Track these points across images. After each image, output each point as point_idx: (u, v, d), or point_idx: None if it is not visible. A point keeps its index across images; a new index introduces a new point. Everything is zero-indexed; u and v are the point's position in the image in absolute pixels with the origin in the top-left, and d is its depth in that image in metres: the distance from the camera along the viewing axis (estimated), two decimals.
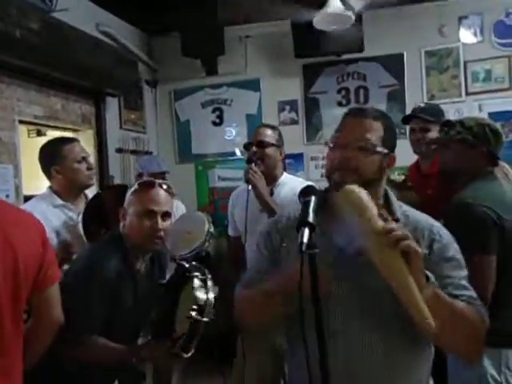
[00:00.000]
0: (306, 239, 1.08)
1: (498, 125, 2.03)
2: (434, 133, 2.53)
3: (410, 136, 2.67)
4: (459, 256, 1.31)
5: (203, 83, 4.81)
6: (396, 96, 4.46)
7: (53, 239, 2.18)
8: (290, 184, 2.46)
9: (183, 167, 4.81)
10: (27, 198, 2.74)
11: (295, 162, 4.54)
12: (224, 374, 2.56)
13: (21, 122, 3.14)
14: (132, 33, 4.54)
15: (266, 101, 4.72)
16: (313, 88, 4.64)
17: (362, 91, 4.56)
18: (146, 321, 1.88)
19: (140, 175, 3.50)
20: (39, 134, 3.77)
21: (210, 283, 1.77)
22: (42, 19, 2.94)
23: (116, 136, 4.16)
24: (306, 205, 1.18)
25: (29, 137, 3.80)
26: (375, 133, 1.30)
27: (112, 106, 4.12)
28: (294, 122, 4.66)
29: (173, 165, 4.66)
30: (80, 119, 3.72)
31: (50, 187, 2.32)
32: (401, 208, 1.34)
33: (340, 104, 4.57)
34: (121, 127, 4.28)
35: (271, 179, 2.48)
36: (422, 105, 2.75)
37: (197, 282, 1.74)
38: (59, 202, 2.27)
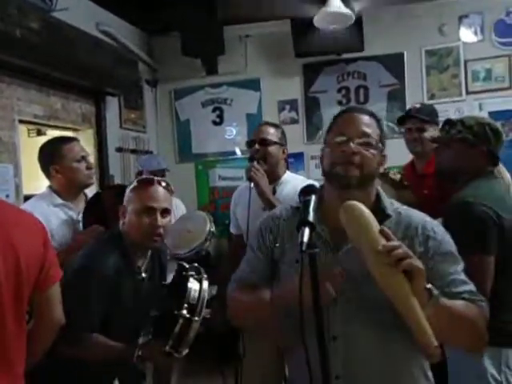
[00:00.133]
0: (306, 238, 1.07)
1: (498, 124, 2.02)
2: (429, 132, 2.56)
3: (406, 136, 2.69)
4: (454, 249, 1.31)
5: (203, 83, 4.81)
6: (396, 95, 4.46)
7: (53, 238, 2.18)
8: (293, 182, 2.45)
9: (183, 167, 4.82)
10: (27, 198, 2.73)
11: (295, 161, 4.54)
12: (224, 374, 2.56)
13: (21, 121, 3.14)
14: (132, 32, 4.54)
15: (266, 100, 4.72)
16: (313, 87, 4.64)
17: (362, 90, 4.56)
18: (147, 319, 1.88)
19: (140, 173, 3.50)
20: (39, 133, 3.77)
21: (205, 283, 1.76)
22: (42, 19, 2.94)
23: (116, 135, 4.16)
24: (306, 204, 1.17)
25: (29, 136, 3.80)
26: (374, 129, 1.31)
27: (112, 105, 4.12)
28: (294, 121, 4.66)
29: (173, 164, 4.66)
30: (80, 119, 3.72)
31: (50, 186, 2.32)
32: (392, 205, 1.34)
33: (340, 103, 4.57)
34: (121, 126, 4.28)
35: (274, 178, 2.46)
36: (418, 105, 2.77)
37: (191, 281, 1.74)
38: (59, 201, 2.27)
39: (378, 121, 1.34)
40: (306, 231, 1.08)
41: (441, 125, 2.12)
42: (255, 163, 2.40)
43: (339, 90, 4.60)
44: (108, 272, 1.70)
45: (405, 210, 1.34)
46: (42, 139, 2.96)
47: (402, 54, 4.44)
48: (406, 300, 1.09)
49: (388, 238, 1.13)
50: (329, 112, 4.54)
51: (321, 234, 1.25)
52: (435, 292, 1.13)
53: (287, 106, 4.70)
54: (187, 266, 1.83)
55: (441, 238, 1.29)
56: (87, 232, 2.16)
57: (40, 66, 3.05)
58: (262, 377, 2.41)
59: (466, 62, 4.32)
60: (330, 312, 1.21)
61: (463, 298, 1.23)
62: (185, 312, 1.65)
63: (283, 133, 2.57)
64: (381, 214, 1.27)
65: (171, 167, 4.07)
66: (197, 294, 1.71)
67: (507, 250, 1.78)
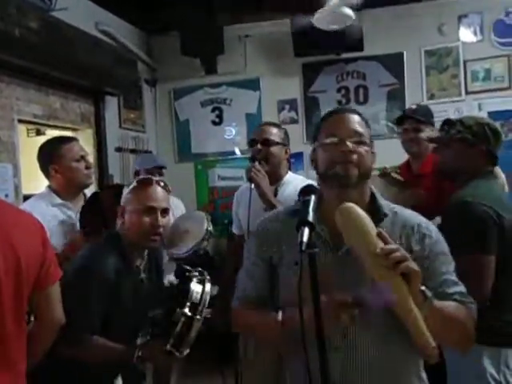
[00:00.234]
0: (305, 238, 1.07)
1: (497, 124, 2.02)
2: (425, 133, 2.63)
3: (403, 136, 2.73)
4: (447, 249, 1.32)
5: (203, 82, 4.81)
6: (396, 95, 4.46)
7: (52, 238, 2.18)
8: (294, 183, 2.43)
9: (183, 166, 4.81)
10: (26, 198, 2.73)
11: (295, 161, 4.52)
12: (223, 374, 2.55)
13: (20, 121, 3.13)
14: (131, 32, 4.53)
15: (265, 100, 4.72)
16: (312, 87, 4.64)
17: (361, 90, 4.56)
18: (145, 319, 1.88)
19: (137, 173, 3.48)
20: (38, 133, 3.76)
21: (208, 285, 1.76)
22: (42, 18, 2.93)
23: (115, 135, 4.16)
24: (305, 204, 1.17)
25: (28, 136, 3.80)
26: (364, 128, 1.33)
27: (111, 105, 4.12)
28: (294, 121, 4.66)
29: (172, 164, 4.66)
30: (79, 118, 3.72)
31: (49, 186, 2.32)
32: (388, 205, 1.35)
33: (340, 103, 4.56)
34: (120, 126, 4.28)
35: (276, 178, 2.44)
36: (414, 107, 2.84)
37: (194, 282, 1.74)
38: (58, 201, 2.27)
39: (366, 121, 1.36)
40: (306, 231, 1.08)
41: (440, 125, 2.12)
42: (256, 164, 2.38)
43: (339, 90, 4.60)
44: (108, 273, 1.70)
45: (399, 209, 1.35)
46: (42, 139, 2.95)
47: (402, 54, 4.44)
48: (404, 302, 1.10)
49: (385, 241, 1.14)
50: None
51: (320, 233, 1.25)
52: (429, 294, 1.14)
53: (287, 106, 4.70)
54: (188, 268, 1.83)
55: (436, 238, 1.30)
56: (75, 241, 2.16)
57: (39, 65, 3.05)
58: (263, 376, 2.41)
59: (465, 62, 4.32)
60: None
61: (454, 299, 1.25)
62: (187, 310, 1.65)
63: (286, 133, 2.55)
64: (377, 213, 1.28)
65: (170, 167, 4.06)
66: (199, 295, 1.71)
67: (507, 249, 1.78)
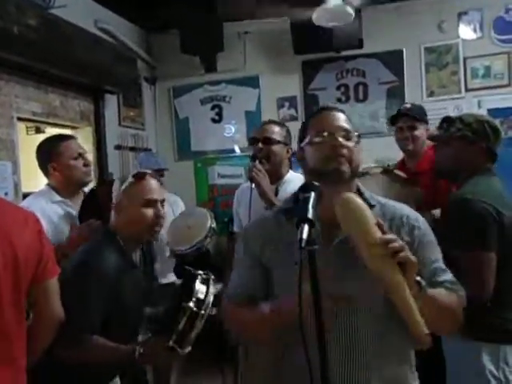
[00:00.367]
0: (305, 235, 1.07)
1: (496, 121, 2.03)
2: (420, 131, 2.67)
3: (397, 135, 2.75)
4: (434, 238, 1.36)
5: (202, 80, 4.81)
6: (395, 92, 4.46)
7: (52, 235, 2.18)
8: (295, 182, 2.41)
9: (182, 164, 4.81)
10: (26, 196, 2.73)
11: (294, 158, 4.53)
12: (223, 372, 2.56)
13: (19, 119, 3.13)
14: (131, 30, 4.53)
15: (265, 97, 4.72)
16: (312, 84, 4.63)
17: (361, 88, 4.55)
18: (143, 316, 1.89)
19: None
20: (38, 131, 3.76)
21: (212, 283, 1.77)
22: (40, 16, 2.93)
23: (115, 133, 4.16)
24: (305, 201, 1.17)
25: (27, 134, 3.80)
26: (350, 125, 1.36)
27: (111, 103, 4.11)
28: (294, 118, 4.66)
29: (172, 162, 4.66)
30: (79, 116, 3.72)
31: (48, 184, 2.32)
32: (374, 197, 1.37)
33: (339, 100, 4.56)
34: (120, 124, 4.27)
35: (277, 177, 2.43)
36: (408, 105, 2.86)
37: (199, 279, 1.75)
38: (58, 198, 2.27)
39: (349, 119, 1.39)
40: (306, 228, 1.08)
41: (439, 122, 2.12)
42: (257, 163, 2.36)
43: (338, 88, 4.59)
44: (109, 269, 1.70)
45: (386, 201, 1.38)
46: (41, 137, 2.96)
47: (402, 51, 4.43)
48: (400, 291, 1.12)
49: (383, 230, 1.16)
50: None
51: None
52: (423, 284, 1.17)
53: (286, 103, 4.70)
54: (192, 270, 1.85)
55: (424, 228, 1.34)
56: (81, 228, 2.16)
57: (38, 63, 3.04)
58: (263, 374, 2.41)
59: (465, 59, 4.32)
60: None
61: (445, 287, 1.28)
62: (192, 305, 1.66)
63: (288, 131, 2.53)
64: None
65: (170, 165, 4.06)
66: (203, 294, 1.71)
67: (507, 246, 1.78)
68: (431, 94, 4.38)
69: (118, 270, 1.72)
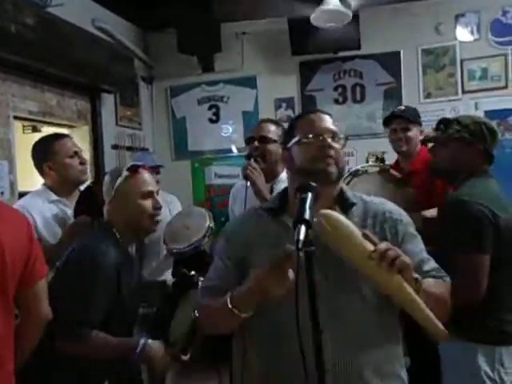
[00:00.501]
0: (302, 236, 1.07)
1: (493, 123, 2.04)
2: (413, 132, 2.72)
3: (391, 136, 2.80)
4: (414, 229, 1.38)
5: (199, 80, 4.80)
6: (393, 94, 4.46)
7: (47, 234, 2.18)
8: None
9: (179, 164, 4.80)
10: (22, 195, 2.72)
11: None
12: (220, 373, 2.55)
13: (16, 117, 3.12)
14: (128, 29, 4.51)
15: (262, 98, 4.71)
16: (309, 85, 4.63)
17: (358, 89, 4.56)
18: (137, 311, 1.89)
19: None
20: (34, 130, 3.75)
21: None
22: (38, 14, 2.92)
23: (112, 132, 4.15)
24: (302, 201, 1.17)
25: (24, 133, 3.79)
26: (337, 128, 1.38)
27: (108, 102, 4.10)
28: (291, 119, 4.65)
29: (169, 162, 4.65)
30: (75, 115, 3.70)
31: (45, 184, 2.31)
32: (356, 195, 1.39)
33: (337, 101, 4.57)
34: (116, 124, 4.26)
35: (272, 176, 2.43)
36: (402, 107, 2.94)
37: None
38: (54, 197, 2.27)
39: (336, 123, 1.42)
40: (303, 229, 1.08)
41: (435, 124, 2.13)
42: (252, 161, 2.37)
43: (336, 89, 4.59)
44: (109, 262, 1.70)
45: (369, 198, 1.40)
46: (37, 136, 2.94)
47: (399, 53, 4.43)
48: (405, 293, 1.12)
49: (372, 241, 1.15)
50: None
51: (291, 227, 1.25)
52: (420, 279, 1.18)
53: (284, 104, 4.70)
54: (190, 274, 1.85)
55: (406, 221, 1.37)
56: (71, 227, 2.15)
57: (35, 62, 3.03)
58: (263, 376, 2.40)
59: (462, 61, 4.32)
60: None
61: (433, 276, 1.30)
62: (194, 314, 1.66)
63: (285, 130, 2.54)
64: (345, 202, 1.34)
65: (167, 164, 4.06)
66: None
67: (502, 249, 1.78)
68: (428, 95, 4.39)
69: (117, 263, 1.72)
